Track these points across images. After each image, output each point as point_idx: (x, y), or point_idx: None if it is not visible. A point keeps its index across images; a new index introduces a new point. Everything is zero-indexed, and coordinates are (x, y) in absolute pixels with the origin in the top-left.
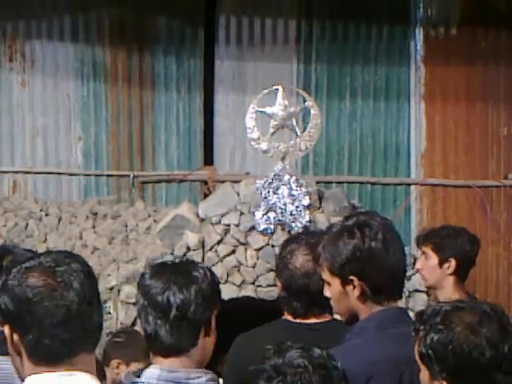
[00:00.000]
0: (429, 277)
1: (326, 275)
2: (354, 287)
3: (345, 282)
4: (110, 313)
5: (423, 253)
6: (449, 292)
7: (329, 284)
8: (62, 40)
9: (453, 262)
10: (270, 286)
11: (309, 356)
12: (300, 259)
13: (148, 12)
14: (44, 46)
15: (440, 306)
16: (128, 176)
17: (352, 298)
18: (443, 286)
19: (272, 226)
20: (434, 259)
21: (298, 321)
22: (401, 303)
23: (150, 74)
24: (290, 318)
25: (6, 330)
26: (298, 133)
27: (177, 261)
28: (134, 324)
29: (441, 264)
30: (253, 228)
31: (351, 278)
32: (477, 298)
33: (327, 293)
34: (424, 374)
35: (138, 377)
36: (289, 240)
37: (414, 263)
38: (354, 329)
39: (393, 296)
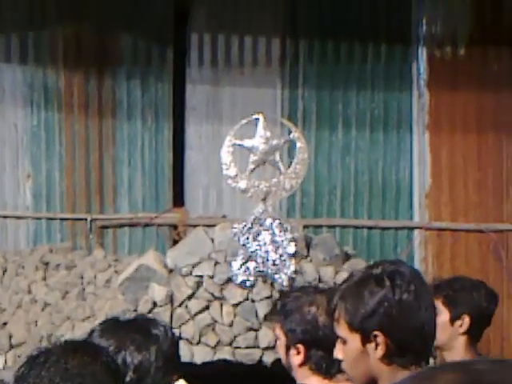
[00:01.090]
0: (437, 335)
1: (342, 331)
2: (377, 345)
3: (366, 338)
4: None
5: None
6: (459, 354)
7: (344, 342)
8: (8, 61)
9: (466, 320)
10: (249, 347)
11: None
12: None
13: (109, 29)
14: None
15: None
16: (85, 219)
17: (373, 359)
18: (453, 346)
19: (252, 278)
20: (444, 315)
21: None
22: None
23: (110, 101)
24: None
25: None
26: (282, 169)
27: (132, 317)
28: None
29: (452, 321)
30: (229, 280)
31: (375, 333)
32: None
33: (339, 354)
34: None
35: None
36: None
37: None
38: None
39: (421, 359)
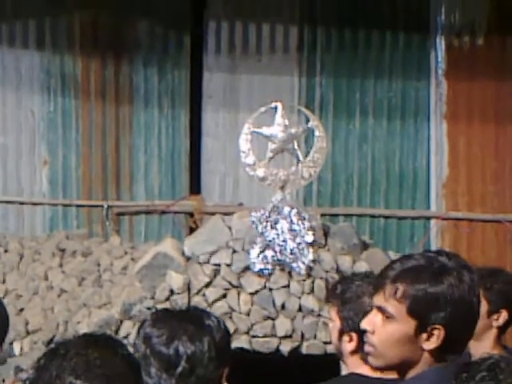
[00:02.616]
0: None
1: (393, 308)
2: (431, 337)
3: (423, 328)
4: None
5: None
6: (487, 346)
7: (391, 317)
8: (25, 47)
9: (504, 314)
10: (267, 336)
11: None
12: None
13: (126, 15)
14: (4, 54)
15: (487, 360)
16: (101, 206)
17: (419, 348)
18: (483, 338)
19: (269, 267)
20: (483, 306)
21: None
22: None
23: (127, 88)
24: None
25: None
26: (300, 158)
27: (184, 308)
28: None
29: (489, 314)
30: (247, 268)
31: (437, 326)
32: None
33: (371, 325)
34: None
35: None
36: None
37: None
38: None
39: (458, 353)
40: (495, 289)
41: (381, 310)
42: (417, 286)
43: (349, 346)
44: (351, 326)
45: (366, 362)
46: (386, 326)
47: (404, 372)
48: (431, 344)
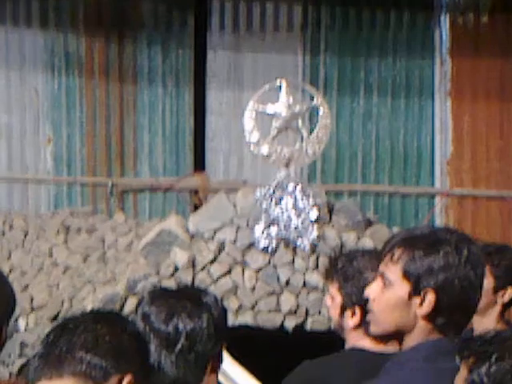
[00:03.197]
0: None
1: (392, 273)
2: (423, 302)
3: (416, 291)
4: None
5: None
6: (492, 321)
7: (390, 283)
8: (28, 26)
9: (509, 291)
10: (271, 311)
11: None
12: None
13: None
14: (8, 33)
15: (493, 333)
16: (106, 184)
17: (413, 313)
18: (488, 313)
19: (274, 243)
20: (489, 282)
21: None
22: None
23: (131, 66)
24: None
25: None
26: (305, 135)
27: (180, 286)
28: None
29: (496, 290)
30: (251, 245)
31: (428, 290)
32: None
33: (372, 293)
34: None
35: None
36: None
37: None
38: (399, 357)
39: (461, 329)
40: (502, 265)
41: (381, 276)
42: (412, 250)
43: (351, 321)
44: (354, 300)
45: (367, 335)
46: (385, 292)
47: (401, 342)
48: (423, 309)
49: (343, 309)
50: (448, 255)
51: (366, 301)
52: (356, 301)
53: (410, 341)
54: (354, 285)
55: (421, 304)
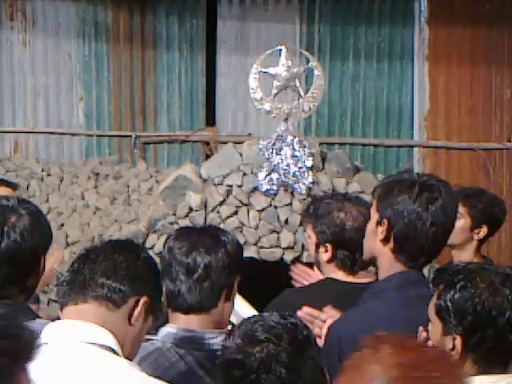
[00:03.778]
0: (455, 236)
1: (372, 209)
2: (382, 229)
3: (379, 221)
4: None
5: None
6: (469, 255)
7: (371, 218)
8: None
9: (484, 229)
10: (272, 247)
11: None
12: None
13: None
14: (45, 5)
15: (463, 264)
16: (130, 137)
17: (377, 240)
18: (465, 248)
19: (275, 187)
20: (466, 220)
21: (348, 280)
22: None
23: (151, 34)
24: (338, 276)
25: None
26: (302, 94)
27: (203, 226)
28: None
29: (472, 228)
30: (255, 189)
31: (384, 220)
32: (492, 261)
33: (368, 228)
34: (436, 329)
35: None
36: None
37: None
38: (373, 288)
39: (417, 260)
40: (479, 207)
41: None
42: (383, 186)
43: (325, 255)
44: (325, 238)
45: (339, 268)
46: (367, 226)
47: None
48: (380, 234)
49: (318, 246)
50: (408, 196)
51: (336, 237)
52: (327, 238)
53: (383, 273)
54: (324, 223)
55: (382, 232)
